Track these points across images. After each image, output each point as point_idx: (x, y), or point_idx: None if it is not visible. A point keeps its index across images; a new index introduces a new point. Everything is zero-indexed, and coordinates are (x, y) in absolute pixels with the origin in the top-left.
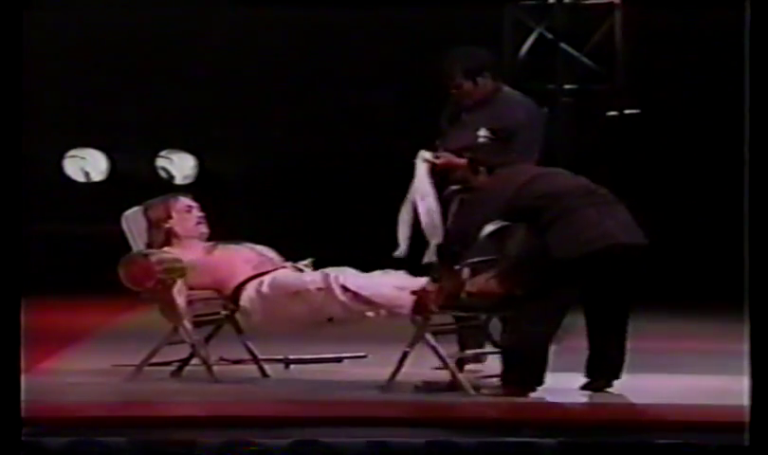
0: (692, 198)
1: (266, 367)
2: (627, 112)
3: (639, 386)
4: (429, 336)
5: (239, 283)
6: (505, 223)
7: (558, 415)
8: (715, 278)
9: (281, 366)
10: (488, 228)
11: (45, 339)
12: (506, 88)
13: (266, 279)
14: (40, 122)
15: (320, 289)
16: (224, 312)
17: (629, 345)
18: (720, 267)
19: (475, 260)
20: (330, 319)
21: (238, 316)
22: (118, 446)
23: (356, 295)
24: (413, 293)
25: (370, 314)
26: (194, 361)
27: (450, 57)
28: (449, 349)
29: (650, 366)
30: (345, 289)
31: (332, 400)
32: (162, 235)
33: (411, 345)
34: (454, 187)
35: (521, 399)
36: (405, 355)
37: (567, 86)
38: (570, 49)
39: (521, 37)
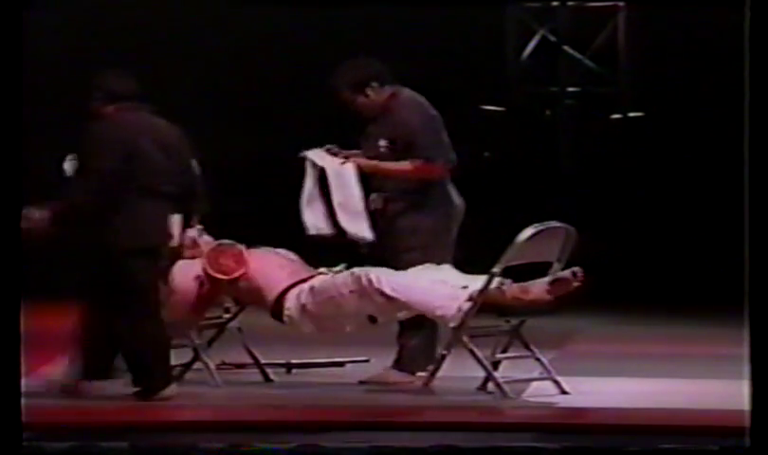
0: (697, 201)
1: (269, 371)
2: (630, 115)
3: (639, 390)
4: (465, 339)
5: (279, 293)
6: (551, 226)
7: (558, 419)
8: (714, 281)
9: (283, 370)
10: (527, 233)
11: (46, 343)
12: (404, 93)
13: (305, 288)
14: (42, 124)
15: (352, 292)
16: (226, 315)
17: (629, 349)
18: (721, 270)
19: (512, 264)
20: (371, 318)
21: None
22: (119, 451)
23: (390, 299)
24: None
25: (406, 314)
26: (196, 365)
27: (335, 73)
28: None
29: (650, 370)
30: (381, 293)
31: (334, 405)
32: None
33: (448, 348)
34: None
35: (521, 403)
36: (442, 358)
37: (570, 89)
38: (573, 52)
39: (523, 39)
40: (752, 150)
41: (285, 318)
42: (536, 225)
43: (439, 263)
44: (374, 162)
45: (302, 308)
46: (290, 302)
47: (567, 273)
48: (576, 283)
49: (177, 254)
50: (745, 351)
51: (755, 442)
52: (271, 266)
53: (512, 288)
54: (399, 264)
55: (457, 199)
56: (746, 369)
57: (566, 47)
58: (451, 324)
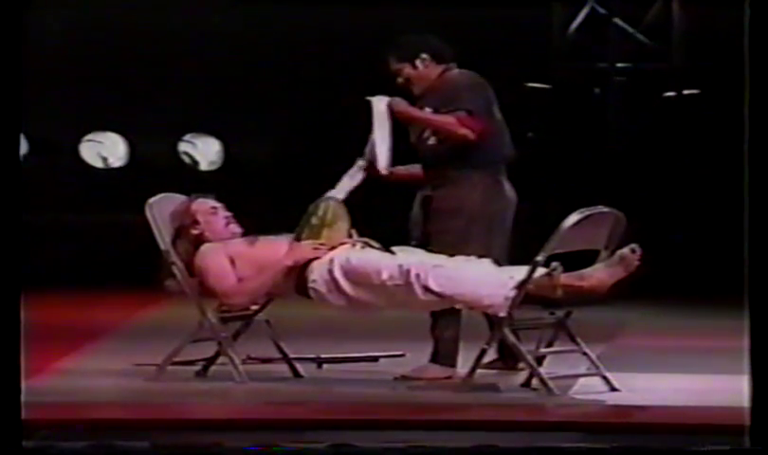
0: (756, 186)
1: (298, 366)
2: (684, 93)
3: (693, 386)
4: (507, 332)
5: (301, 267)
6: (598, 211)
7: (607, 418)
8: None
9: (313, 365)
10: (573, 219)
11: (63, 337)
12: (455, 71)
13: (336, 260)
14: (56, 108)
15: (398, 285)
16: (253, 307)
17: (682, 343)
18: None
19: (557, 251)
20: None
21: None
22: (139, 450)
23: (437, 294)
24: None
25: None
26: (221, 360)
27: (386, 46)
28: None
29: (705, 366)
30: (426, 289)
31: (368, 402)
32: (190, 242)
33: (490, 342)
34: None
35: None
36: (483, 353)
37: (620, 65)
38: (624, 25)
39: (570, 11)
40: (751, 149)
41: (311, 291)
42: (582, 210)
43: (480, 250)
44: (413, 108)
45: (334, 283)
46: (315, 274)
47: (625, 250)
48: (636, 261)
49: (199, 238)
50: (745, 343)
51: (755, 441)
52: (281, 246)
53: (565, 276)
54: (438, 246)
55: (509, 192)
56: (746, 364)
57: (616, 20)
58: (500, 314)
